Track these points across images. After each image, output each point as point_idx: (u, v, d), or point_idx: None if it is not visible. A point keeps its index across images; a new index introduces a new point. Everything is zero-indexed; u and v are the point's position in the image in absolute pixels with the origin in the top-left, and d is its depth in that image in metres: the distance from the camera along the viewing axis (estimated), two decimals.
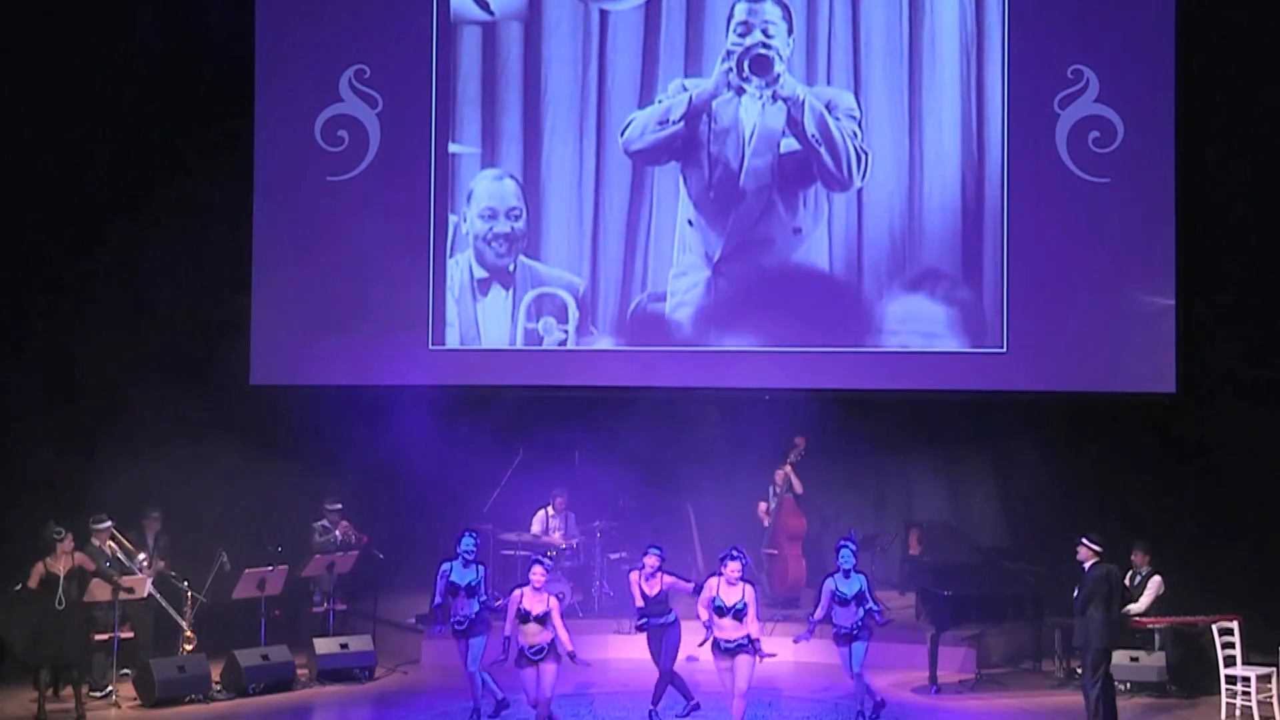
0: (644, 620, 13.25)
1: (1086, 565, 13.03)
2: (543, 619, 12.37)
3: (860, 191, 16.64)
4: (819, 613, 13.13)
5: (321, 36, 16.76)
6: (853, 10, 16.62)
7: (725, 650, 12.50)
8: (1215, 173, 16.21)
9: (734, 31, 16.70)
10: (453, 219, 16.83)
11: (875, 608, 13.12)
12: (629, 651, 14.73)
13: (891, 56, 16.62)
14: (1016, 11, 16.46)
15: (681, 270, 16.77)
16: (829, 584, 13.11)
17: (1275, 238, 15.92)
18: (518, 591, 12.49)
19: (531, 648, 12.37)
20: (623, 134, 16.76)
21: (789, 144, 16.65)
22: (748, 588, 12.55)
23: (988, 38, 16.53)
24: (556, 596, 12.62)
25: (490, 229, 16.87)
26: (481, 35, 16.93)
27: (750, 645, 12.43)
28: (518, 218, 16.86)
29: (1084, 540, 13.05)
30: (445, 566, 13.20)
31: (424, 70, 16.80)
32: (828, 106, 16.62)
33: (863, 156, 16.60)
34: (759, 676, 12.79)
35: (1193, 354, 16.20)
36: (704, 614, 12.59)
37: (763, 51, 16.64)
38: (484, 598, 13.15)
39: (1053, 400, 16.50)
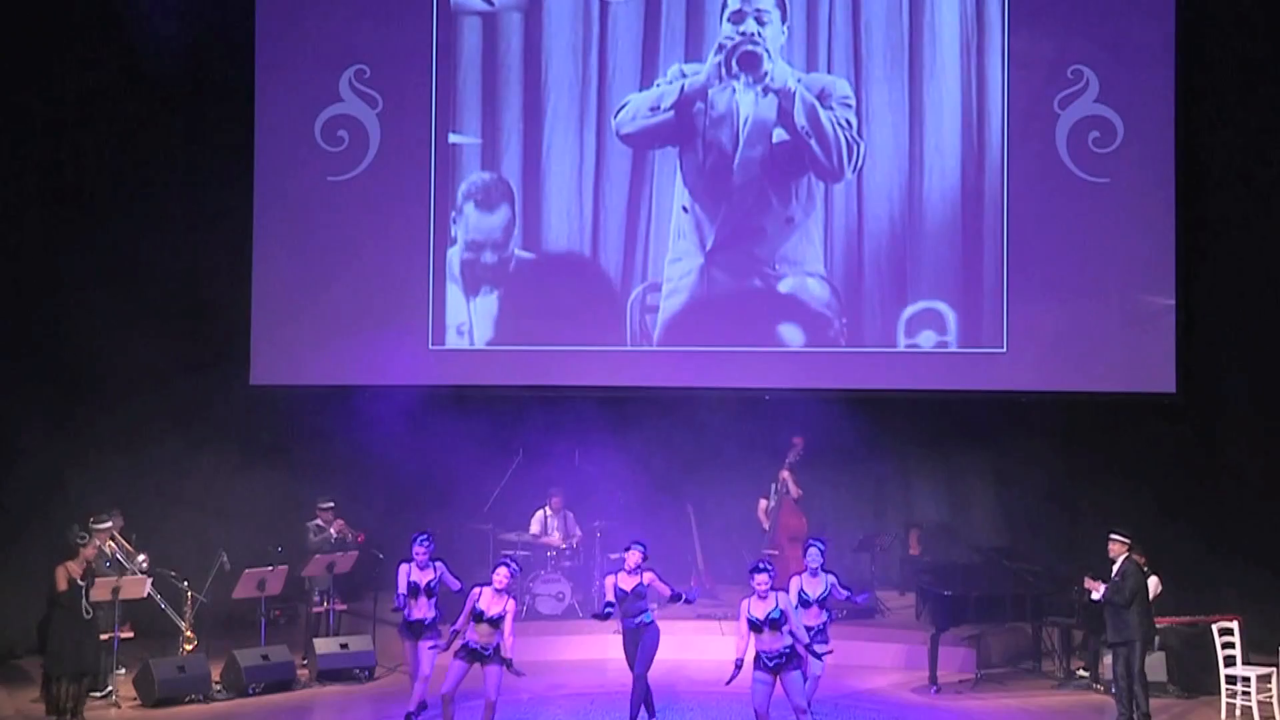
0: (606, 611, 12.79)
1: (1119, 560, 13.01)
2: (496, 622, 12.15)
3: (859, 189, 16.64)
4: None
5: (321, 36, 16.77)
6: (852, 4, 16.62)
7: (769, 664, 11.89)
8: (1215, 173, 16.21)
9: (727, 20, 16.69)
10: (452, 215, 16.85)
11: (851, 592, 13.15)
12: None
13: (892, 53, 16.62)
14: (1016, 11, 16.46)
15: (677, 256, 16.77)
16: (795, 582, 12.80)
17: (1275, 237, 15.90)
18: (477, 590, 12.31)
19: (482, 646, 12.18)
20: (616, 115, 16.75)
21: (780, 134, 16.65)
22: (780, 595, 12.01)
23: (988, 37, 16.54)
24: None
25: (486, 226, 16.90)
26: (481, 26, 16.92)
27: (797, 656, 11.86)
28: (512, 214, 16.87)
29: (1114, 535, 13.05)
30: (405, 566, 13.01)
31: (424, 70, 16.81)
32: (820, 95, 16.61)
33: (854, 147, 16.59)
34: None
35: (1193, 354, 16.20)
36: (740, 645, 11.84)
37: (750, 48, 16.62)
38: (458, 587, 12.98)
39: (1053, 400, 16.50)
